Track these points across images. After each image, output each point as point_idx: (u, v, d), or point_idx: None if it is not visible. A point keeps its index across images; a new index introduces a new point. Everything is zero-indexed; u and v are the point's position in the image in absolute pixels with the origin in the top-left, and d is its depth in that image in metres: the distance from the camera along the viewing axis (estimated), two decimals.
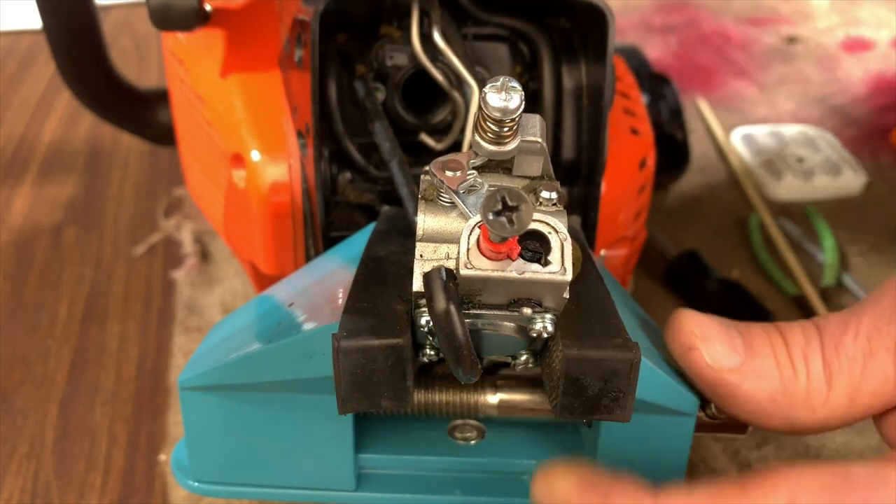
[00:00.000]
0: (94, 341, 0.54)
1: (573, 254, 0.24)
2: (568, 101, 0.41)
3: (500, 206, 0.22)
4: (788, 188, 0.67)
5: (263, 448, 0.32)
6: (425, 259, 0.26)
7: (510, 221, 0.22)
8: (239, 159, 0.43)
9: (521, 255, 0.24)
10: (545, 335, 0.25)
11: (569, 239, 0.24)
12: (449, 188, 0.27)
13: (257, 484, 0.33)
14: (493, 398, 0.33)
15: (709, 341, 0.28)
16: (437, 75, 0.40)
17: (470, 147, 0.28)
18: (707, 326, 0.28)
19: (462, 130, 0.41)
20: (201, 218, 0.62)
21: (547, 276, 0.24)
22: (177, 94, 0.52)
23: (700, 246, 0.59)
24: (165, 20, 0.44)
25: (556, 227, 0.25)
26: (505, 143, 0.26)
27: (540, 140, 0.27)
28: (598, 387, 0.26)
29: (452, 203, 0.27)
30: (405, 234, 0.33)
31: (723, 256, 0.60)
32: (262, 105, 0.43)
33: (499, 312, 0.25)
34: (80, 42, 0.56)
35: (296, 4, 0.41)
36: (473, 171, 0.27)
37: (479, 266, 0.23)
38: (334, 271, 0.34)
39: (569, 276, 0.24)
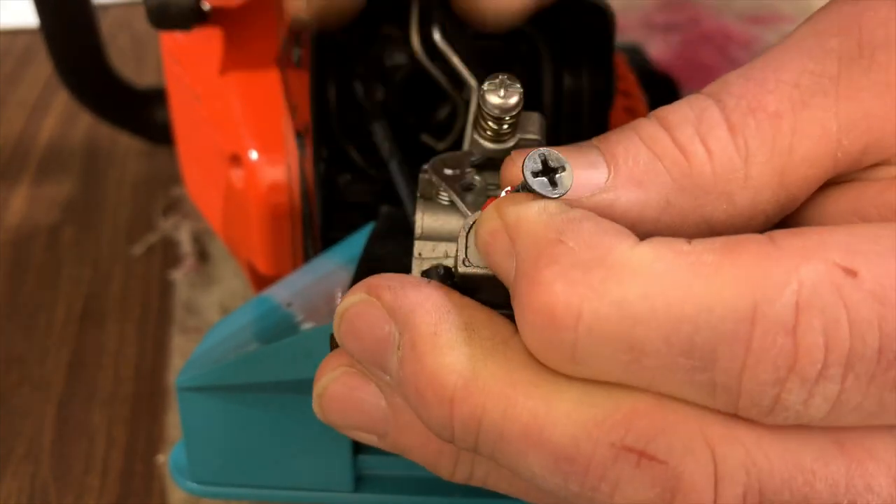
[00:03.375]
0: (92, 342, 0.53)
1: None
2: (568, 100, 0.41)
3: (539, 167, 0.21)
4: None
5: (262, 449, 0.32)
6: (424, 258, 0.26)
7: (552, 183, 0.21)
8: (237, 159, 0.43)
9: None
10: None
11: None
12: (447, 187, 0.26)
13: (256, 485, 0.33)
14: None
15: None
16: (437, 75, 0.40)
17: (469, 146, 0.28)
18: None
19: (462, 130, 0.41)
20: (200, 218, 0.62)
21: None
22: (175, 93, 0.52)
23: None
24: (163, 19, 0.44)
25: None
26: (504, 141, 0.26)
27: (539, 138, 0.27)
28: None
29: (451, 202, 0.27)
30: (404, 235, 0.33)
31: None
32: (260, 105, 0.43)
33: (498, 311, 0.25)
34: (77, 41, 0.56)
35: None
36: (472, 170, 0.27)
37: (478, 264, 0.23)
38: (333, 271, 0.34)
39: None
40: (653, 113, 0.22)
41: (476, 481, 0.24)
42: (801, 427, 0.19)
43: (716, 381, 0.18)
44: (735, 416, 0.19)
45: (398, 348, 0.21)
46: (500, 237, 0.21)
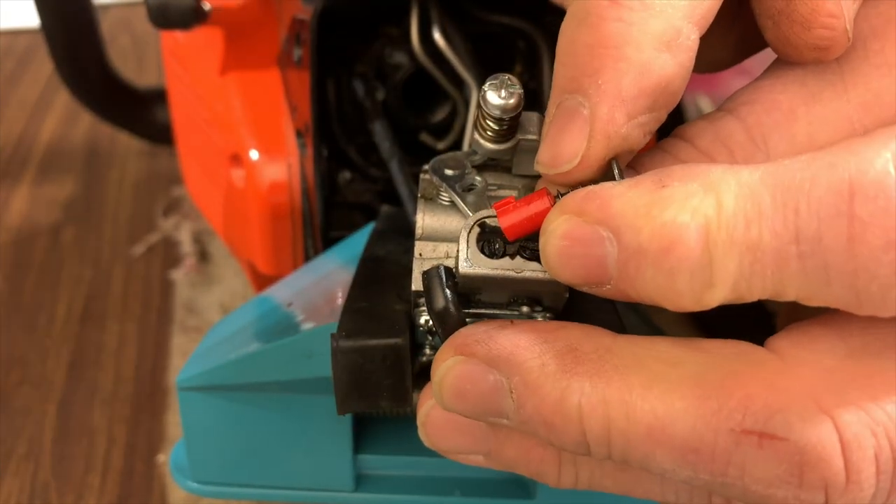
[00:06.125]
0: (93, 341, 0.54)
1: None
2: None
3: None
4: None
5: (262, 448, 0.32)
6: (424, 258, 0.26)
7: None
8: (238, 159, 0.43)
9: (520, 254, 0.24)
10: None
11: None
12: (448, 187, 0.26)
13: (256, 484, 0.33)
14: None
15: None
16: (437, 74, 0.40)
17: (469, 146, 0.28)
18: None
19: (462, 129, 0.41)
20: (200, 218, 0.62)
21: (546, 276, 0.24)
22: (175, 93, 0.52)
23: None
24: (164, 19, 0.44)
25: None
26: (504, 142, 0.26)
27: (539, 138, 0.27)
28: None
29: (451, 202, 0.27)
30: (404, 234, 0.33)
31: None
32: (260, 104, 0.43)
33: (498, 311, 0.25)
34: (78, 41, 0.56)
35: (295, 4, 0.41)
36: (472, 170, 0.27)
37: (479, 264, 0.23)
38: (333, 271, 0.34)
39: None
40: (674, 132, 0.24)
41: (581, 484, 0.24)
42: None
43: (828, 263, 0.18)
44: (847, 385, 0.19)
45: (511, 391, 0.22)
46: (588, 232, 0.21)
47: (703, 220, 0.19)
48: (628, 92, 0.21)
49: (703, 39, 0.22)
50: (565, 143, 0.22)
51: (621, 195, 0.20)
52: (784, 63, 0.24)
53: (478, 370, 0.22)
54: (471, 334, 0.23)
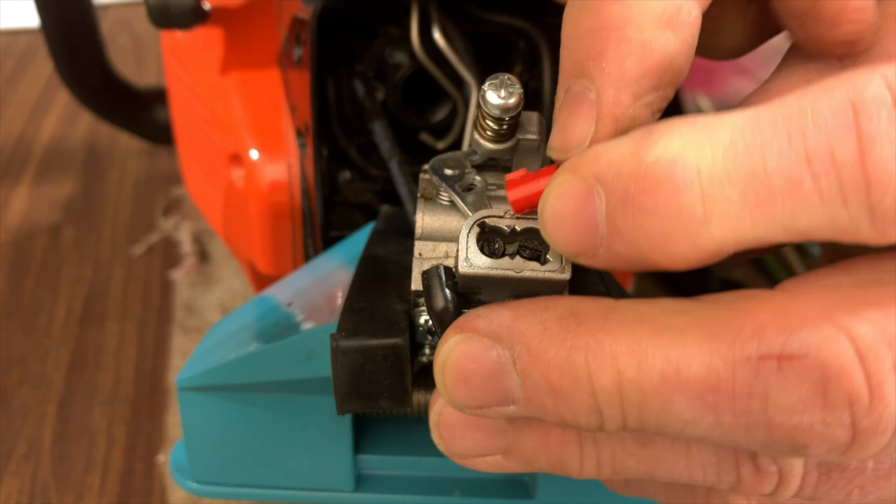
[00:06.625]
0: (93, 342, 0.54)
1: None
2: None
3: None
4: None
5: (262, 449, 0.32)
6: (424, 258, 0.26)
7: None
8: (237, 159, 0.43)
9: (519, 254, 0.24)
10: None
11: None
12: (448, 187, 0.26)
13: (256, 485, 0.33)
14: None
15: None
16: (437, 74, 0.40)
17: (469, 145, 0.28)
18: None
19: (462, 129, 0.41)
20: (200, 218, 0.62)
21: (546, 275, 0.24)
22: (175, 93, 0.52)
23: None
24: (164, 18, 0.44)
25: None
26: (504, 141, 0.26)
27: (539, 138, 0.27)
28: None
29: (451, 201, 0.27)
30: (404, 234, 0.33)
31: None
32: (260, 104, 0.43)
33: None
34: (78, 41, 0.56)
35: (295, 3, 0.40)
36: (472, 170, 0.27)
37: (478, 264, 0.23)
38: (333, 271, 0.34)
39: (568, 275, 0.24)
40: None
41: (605, 469, 0.24)
42: None
43: (843, 180, 0.18)
44: (858, 305, 0.19)
45: (514, 363, 0.21)
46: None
47: (693, 154, 0.18)
48: (632, 73, 0.21)
49: (718, 24, 0.22)
50: (574, 128, 0.22)
51: (611, 146, 0.20)
52: (792, 60, 0.24)
53: (480, 346, 0.22)
54: (472, 314, 0.22)
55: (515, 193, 0.23)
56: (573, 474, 0.24)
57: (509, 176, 0.23)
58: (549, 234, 0.21)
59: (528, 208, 0.23)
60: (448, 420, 0.24)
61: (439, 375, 0.22)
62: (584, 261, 0.21)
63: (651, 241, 0.19)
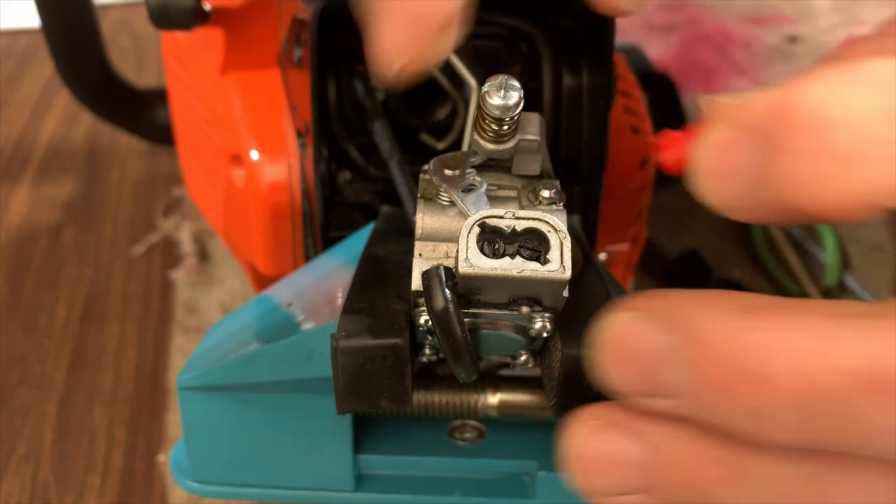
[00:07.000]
0: (93, 341, 0.54)
1: (573, 253, 0.24)
2: (568, 99, 0.41)
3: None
4: None
5: (262, 448, 0.32)
6: (424, 258, 0.26)
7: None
8: (238, 159, 0.43)
9: (519, 254, 0.24)
10: (544, 334, 0.25)
11: (568, 237, 0.24)
12: (448, 187, 0.26)
13: (256, 484, 0.33)
14: (493, 398, 0.33)
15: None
16: (437, 74, 0.40)
17: (469, 146, 0.28)
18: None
19: (462, 129, 0.41)
20: (200, 218, 0.62)
21: (546, 275, 0.24)
22: (175, 93, 0.52)
23: (701, 246, 0.59)
24: (164, 19, 0.44)
25: (555, 226, 0.24)
26: (504, 142, 0.26)
27: (539, 138, 0.27)
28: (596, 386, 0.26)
29: (451, 202, 0.27)
30: (405, 234, 0.33)
31: (724, 256, 0.59)
32: (261, 104, 0.43)
33: (498, 311, 0.25)
34: (78, 41, 0.56)
35: (295, 3, 0.41)
36: (472, 170, 0.27)
37: (478, 264, 0.23)
38: (333, 271, 0.34)
39: (568, 275, 0.24)
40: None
41: None
42: None
43: None
44: None
45: (684, 351, 0.19)
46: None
47: (844, 94, 0.17)
48: None
49: None
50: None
51: (758, 96, 0.19)
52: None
53: (650, 328, 0.20)
54: (644, 294, 0.21)
55: (669, 155, 0.22)
56: None
57: (659, 136, 0.23)
58: (703, 186, 0.20)
59: (682, 169, 0.22)
60: (585, 453, 0.22)
61: (596, 348, 0.21)
62: (737, 214, 0.20)
63: (803, 186, 0.18)
